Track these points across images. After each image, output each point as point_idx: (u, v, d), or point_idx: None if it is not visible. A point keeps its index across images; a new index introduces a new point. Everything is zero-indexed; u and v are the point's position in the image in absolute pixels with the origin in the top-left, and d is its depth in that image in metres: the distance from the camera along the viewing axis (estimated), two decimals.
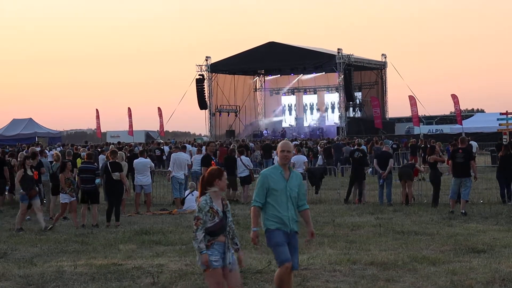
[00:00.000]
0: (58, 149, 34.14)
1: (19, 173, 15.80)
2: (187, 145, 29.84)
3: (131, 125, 57.11)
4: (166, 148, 35.87)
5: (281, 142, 8.18)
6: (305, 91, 64.38)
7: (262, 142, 40.89)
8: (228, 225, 7.29)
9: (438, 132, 53.56)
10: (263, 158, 33.05)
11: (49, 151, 31.19)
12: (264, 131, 61.14)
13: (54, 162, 18.22)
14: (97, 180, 16.42)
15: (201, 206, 7.21)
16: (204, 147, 24.36)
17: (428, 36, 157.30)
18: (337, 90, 57.72)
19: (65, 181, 15.95)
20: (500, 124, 40.99)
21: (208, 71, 59.26)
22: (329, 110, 62.40)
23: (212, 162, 16.23)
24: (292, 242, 7.79)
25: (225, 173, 7.37)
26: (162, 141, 45.40)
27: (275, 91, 66.13)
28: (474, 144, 31.40)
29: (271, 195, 7.69)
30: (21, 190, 15.62)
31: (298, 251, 7.97)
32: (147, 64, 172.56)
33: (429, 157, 18.95)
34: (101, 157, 25.49)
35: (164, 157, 34.43)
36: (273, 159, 30.32)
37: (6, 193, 20.58)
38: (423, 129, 52.71)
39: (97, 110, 60.23)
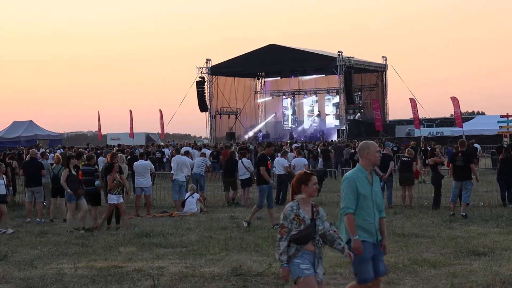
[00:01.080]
0: (59, 151, 34.12)
1: (64, 173, 15.71)
2: (189, 149, 29.78)
3: (131, 127, 57.11)
4: (167, 151, 35.87)
5: (371, 142, 7.50)
6: (306, 94, 64.37)
7: (263, 144, 40.89)
8: (318, 234, 6.72)
9: (439, 135, 53.57)
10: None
11: (49, 153, 31.22)
12: (259, 134, 61.09)
13: (55, 164, 18.21)
14: (97, 182, 16.41)
15: (286, 213, 6.71)
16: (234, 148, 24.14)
17: (428, 38, 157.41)
18: (337, 92, 57.71)
19: (112, 182, 15.88)
20: (500, 127, 40.97)
21: (209, 74, 59.26)
22: (330, 113, 62.39)
23: (268, 162, 16.24)
24: (377, 251, 7.19)
25: (313, 177, 6.82)
26: (162, 143, 45.39)
27: (275, 94, 66.15)
28: (478, 146, 31.40)
29: (358, 201, 7.12)
30: (69, 190, 15.53)
31: (383, 255, 7.34)
32: (148, 66, 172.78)
33: (429, 159, 18.94)
34: (101, 159, 25.51)
35: (165, 160, 34.43)
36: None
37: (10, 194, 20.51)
38: (423, 132, 52.70)
39: (98, 112, 60.28)
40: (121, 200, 15.92)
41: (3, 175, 16.01)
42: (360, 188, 7.11)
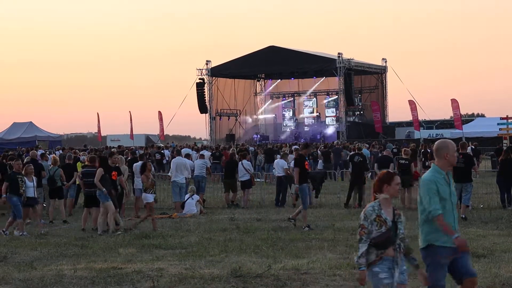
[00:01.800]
0: (57, 152, 34.11)
1: (99, 172, 15.51)
2: (189, 151, 29.72)
3: (131, 129, 57.12)
4: (167, 152, 35.87)
5: (449, 142, 7.14)
6: (306, 95, 64.41)
7: (264, 145, 40.94)
8: (398, 238, 6.40)
9: (439, 137, 53.52)
10: (265, 163, 33.07)
11: (49, 155, 31.24)
12: (254, 136, 61.09)
13: (52, 165, 18.21)
14: None
15: (367, 214, 6.40)
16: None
17: (428, 41, 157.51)
18: (337, 94, 57.73)
19: (147, 181, 15.88)
20: (500, 129, 40.97)
21: (209, 75, 59.27)
22: (329, 115, 62.41)
23: (306, 163, 16.21)
24: (461, 253, 6.81)
25: (396, 177, 6.53)
26: (162, 145, 45.40)
27: (275, 95, 66.16)
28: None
29: None
30: (103, 190, 15.36)
31: (468, 254, 6.98)
32: (148, 68, 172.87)
33: (429, 162, 18.96)
34: None
35: (165, 161, 34.43)
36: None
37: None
38: (423, 134, 52.69)
39: (97, 113, 60.30)
40: (152, 199, 15.97)
41: (33, 177, 15.94)
42: (440, 189, 6.77)
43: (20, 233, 15.23)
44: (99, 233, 15.11)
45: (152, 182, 16.06)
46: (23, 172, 15.72)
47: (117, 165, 16.80)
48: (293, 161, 21.76)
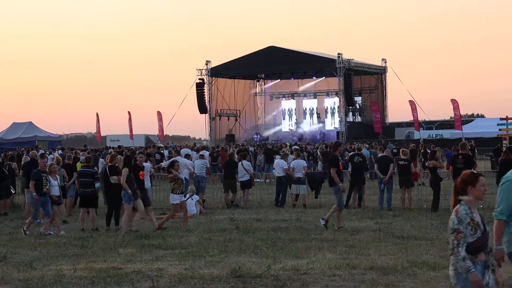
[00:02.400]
0: (56, 152, 34.12)
1: (124, 172, 15.33)
2: (189, 151, 29.71)
3: (131, 129, 57.10)
4: (166, 152, 35.85)
5: None
6: (305, 96, 64.39)
7: (263, 146, 40.90)
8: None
9: (438, 137, 53.57)
10: (265, 163, 33.08)
11: (49, 155, 31.21)
12: (254, 136, 61.09)
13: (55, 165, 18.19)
14: (97, 184, 16.40)
15: (461, 217, 6.07)
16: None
17: (428, 41, 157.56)
18: (337, 94, 57.72)
19: (174, 180, 15.75)
20: (500, 129, 40.99)
21: (208, 75, 59.25)
22: (329, 115, 62.41)
23: (340, 163, 15.90)
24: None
25: (481, 178, 6.22)
26: (162, 145, 45.38)
27: (275, 96, 66.15)
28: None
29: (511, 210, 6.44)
30: (129, 191, 15.16)
31: None
32: (147, 68, 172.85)
33: (429, 162, 18.96)
34: (101, 161, 25.51)
35: (164, 161, 34.37)
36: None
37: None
38: (423, 134, 52.70)
39: (97, 114, 60.30)
40: (183, 198, 15.89)
41: (56, 176, 15.89)
42: None
43: (47, 233, 15.22)
44: (123, 233, 14.91)
45: (180, 181, 15.87)
46: (47, 170, 15.72)
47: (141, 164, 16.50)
48: (293, 161, 21.84)
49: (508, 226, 6.54)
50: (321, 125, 61.51)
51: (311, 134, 59.99)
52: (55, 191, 15.64)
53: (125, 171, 15.40)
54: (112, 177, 15.96)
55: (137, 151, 20.92)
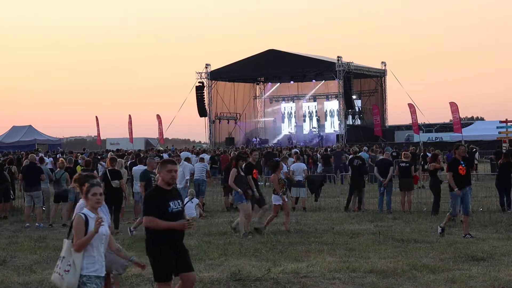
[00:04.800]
0: (58, 156, 34.10)
1: (232, 173, 15.05)
2: (189, 154, 29.72)
3: (131, 132, 57.10)
4: (166, 156, 35.81)
5: None
6: (305, 99, 64.42)
7: (263, 149, 40.88)
8: None
9: (438, 140, 53.54)
10: (265, 166, 33.02)
11: (48, 158, 31.22)
12: (253, 139, 61.09)
13: (59, 169, 18.20)
14: None
15: None
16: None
17: (427, 44, 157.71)
18: (336, 97, 57.73)
19: (278, 182, 15.64)
20: (499, 132, 40.97)
21: (208, 79, 59.27)
22: (329, 118, 62.42)
23: (460, 166, 15.42)
24: None
25: None
26: (161, 149, 45.38)
27: (274, 99, 66.18)
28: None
29: None
30: (238, 190, 14.84)
31: None
32: (147, 71, 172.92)
33: (429, 165, 18.95)
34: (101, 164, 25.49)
35: None
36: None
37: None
38: (422, 137, 52.67)
39: (96, 117, 60.31)
40: (286, 199, 15.70)
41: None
42: None
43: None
44: (241, 235, 14.68)
45: (282, 182, 15.70)
46: (156, 171, 15.66)
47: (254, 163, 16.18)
48: (292, 164, 21.82)
49: None
50: (320, 128, 61.41)
51: (311, 137, 59.98)
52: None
53: (233, 171, 15.07)
54: (114, 181, 15.96)
55: (251, 149, 20.37)
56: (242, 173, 15.14)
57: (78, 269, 6.85)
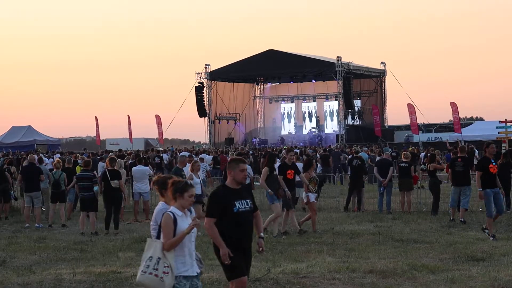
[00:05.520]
0: (55, 156, 34.10)
1: (264, 172, 14.89)
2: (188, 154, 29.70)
3: (130, 133, 57.10)
4: (165, 156, 35.85)
5: None
6: (304, 99, 64.39)
7: (264, 149, 40.86)
8: None
9: (437, 140, 53.54)
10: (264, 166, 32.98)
11: (48, 159, 31.22)
12: (253, 140, 61.07)
13: (55, 169, 18.20)
14: (95, 188, 16.39)
15: None
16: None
17: (427, 44, 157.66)
18: (336, 98, 57.72)
19: (310, 180, 15.66)
20: (499, 132, 40.98)
21: (208, 79, 59.25)
22: (328, 118, 62.43)
23: (490, 165, 15.09)
24: None
25: None
26: (161, 149, 45.40)
27: (274, 99, 66.17)
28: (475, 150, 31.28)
29: None
30: (269, 190, 14.72)
31: None
32: (147, 71, 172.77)
33: (428, 165, 18.96)
34: (101, 165, 25.48)
35: (163, 165, 34.37)
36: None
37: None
38: (422, 137, 52.64)
39: (96, 117, 60.31)
40: (314, 200, 15.72)
41: (198, 174, 15.75)
42: None
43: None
44: (274, 236, 14.65)
45: (314, 181, 15.72)
46: (189, 169, 15.62)
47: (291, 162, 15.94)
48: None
49: None
50: (320, 128, 61.41)
51: (310, 137, 59.98)
52: (197, 189, 15.44)
53: (265, 170, 14.87)
54: (113, 181, 15.96)
55: (285, 150, 20.20)
56: (275, 173, 14.89)
57: (174, 270, 6.66)
